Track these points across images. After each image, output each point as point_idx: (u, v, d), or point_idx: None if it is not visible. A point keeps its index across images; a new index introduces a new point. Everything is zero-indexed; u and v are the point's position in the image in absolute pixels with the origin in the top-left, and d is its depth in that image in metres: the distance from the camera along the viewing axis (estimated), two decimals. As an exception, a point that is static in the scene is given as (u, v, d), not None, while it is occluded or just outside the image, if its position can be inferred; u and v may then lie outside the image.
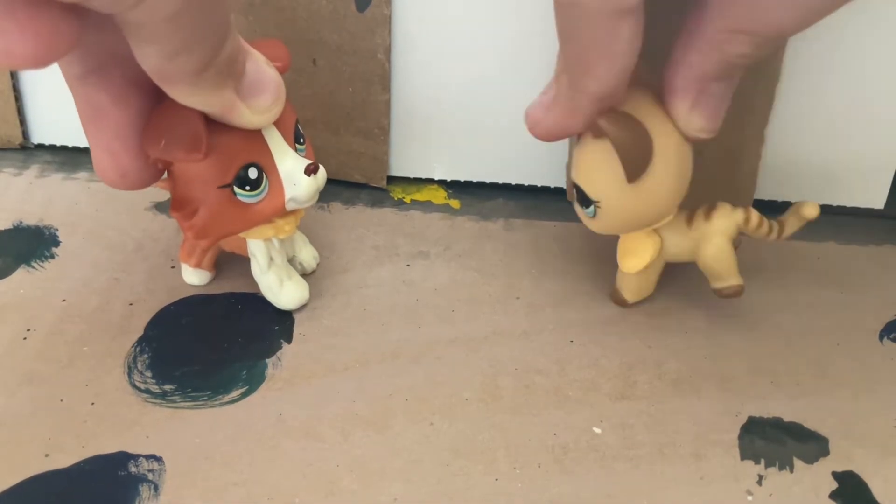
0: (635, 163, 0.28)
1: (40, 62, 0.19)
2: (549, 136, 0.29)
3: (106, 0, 0.19)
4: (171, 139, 0.26)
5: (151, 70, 0.23)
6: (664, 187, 0.29)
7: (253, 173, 0.28)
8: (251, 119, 0.27)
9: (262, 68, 0.27)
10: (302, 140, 0.30)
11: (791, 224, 0.32)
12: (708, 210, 0.32)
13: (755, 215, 0.32)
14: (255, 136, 0.28)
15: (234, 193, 0.28)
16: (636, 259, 0.32)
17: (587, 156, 0.29)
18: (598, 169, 0.29)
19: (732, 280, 0.32)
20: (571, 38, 0.25)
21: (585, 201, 0.30)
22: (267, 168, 0.29)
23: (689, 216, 0.32)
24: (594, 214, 0.30)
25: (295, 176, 0.29)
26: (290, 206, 0.30)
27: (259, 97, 0.27)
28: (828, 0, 0.24)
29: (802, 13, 0.24)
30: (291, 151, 0.29)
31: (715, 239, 0.31)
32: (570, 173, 0.31)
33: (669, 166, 0.29)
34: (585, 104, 0.27)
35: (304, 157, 0.30)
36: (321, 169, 0.29)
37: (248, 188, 0.28)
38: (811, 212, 0.32)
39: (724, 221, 0.31)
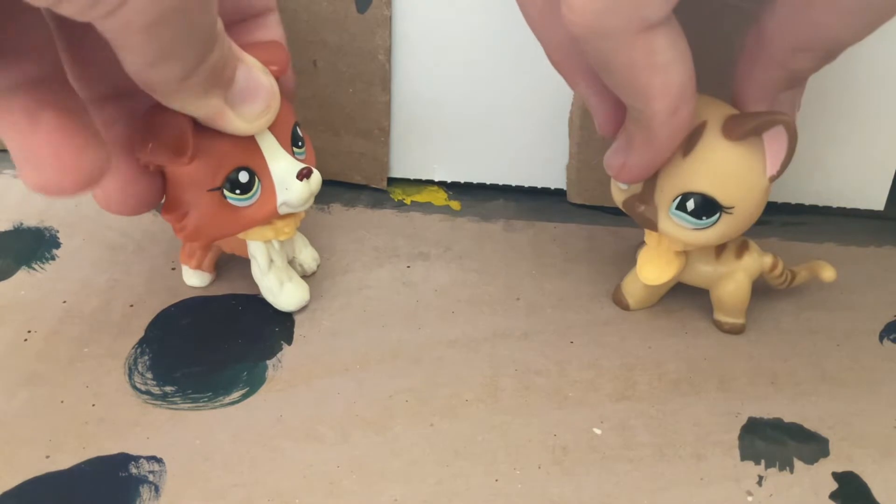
0: (791, 158, 0.27)
1: (73, 193, 0.22)
2: (642, 174, 0.28)
3: (76, 8, 0.19)
4: (158, 142, 0.26)
5: (134, 76, 0.23)
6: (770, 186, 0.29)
7: (244, 177, 0.28)
8: (241, 126, 0.27)
9: (253, 75, 0.26)
10: (301, 143, 0.30)
11: (802, 277, 0.33)
12: (740, 247, 0.32)
13: (781, 264, 0.32)
14: (247, 139, 0.28)
15: (225, 197, 0.28)
16: (657, 273, 0.31)
17: (726, 161, 0.27)
18: (741, 172, 0.27)
19: (739, 319, 0.33)
20: (612, 68, 0.25)
21: (710, 211, 0.28)
22: (259, 172, 0.28)
23: (719, 248, 0.31)
24: (714, 224, 0.28)
25: (287, 180, 0.29)
26: (282, 211, 0.29)
27: (249, 105, 0.26)
28: (884, 11, 0.24)
29: (860, 26, 0.25)
30: (285, 155, 0.29)
31: (739, 276, 0.32)
32: (617, 186, 0.30)
33: None
34: (661, 126, 0.26)
35: (304, 160, 0.30)
36: (315, 173, 0.29)
37: (238, 192, 0.28)
38: (829, 275, 0.33)
39: (753, 263, 0.32)
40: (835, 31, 0.25)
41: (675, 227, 0.29)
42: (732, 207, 0.28)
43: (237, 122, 0.26)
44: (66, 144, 0.22)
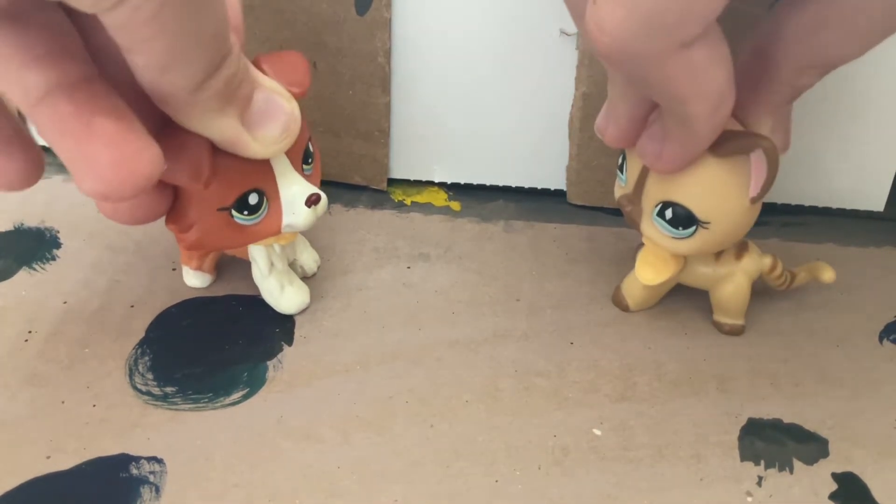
0: (772, 183, 0.27)
1: (131, 197, 0.22)
2: (679, 166, 0.27)
3: (85, 1, 0.19)
4: (175, 164, 0.25)
5: (147, 86, 0.23)
6: (758, 206, 0.29)
7: (253, 199, 0.28)
8: (259, 150, 0.26)
9: (272, 98, 0.26)
10: (310, 160, 0.30)
11: (802, 278, 0.33)
12: (739, 249, 0.32)
13: (780, 265, 0.32)
14: (262, 161, 0.28)
15: (232, 216, 0.28)
16: (655, 273, 0.31)
17: (707, 176, 0.27)
18: (720, 189, 0.27)
19: (738, 320, 0.33)
20: (646, 83, 0.24)
21: (686, 223, 0.28)
22: (269, 194, 0.28)
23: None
24: (691, 235, 0.29)
25: (296, 205, 0.29)
26: (285, 231, 0.29)
27: (266, 128, 0.26)
28: (891, 28, 0.25)
29: (868, 43, 0.25)
30: (298, 177, 0.29)
31: (738, 277, 0.32)
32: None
33: None
34: (702, 125, 0.25)
35: (311, 175, 0.30)
36: (323, 199, 0.29)
37: (246, 213, 0.28)
38: (828, 276, 0.33)
39: (753, 264, 0.32)
40: (844, 50, 0.25)
41: (656, 232, 0.29)
42: (709, 223, 0.28)
43: (254, 146, 0.26)
44: (125, 149, 0.22)
